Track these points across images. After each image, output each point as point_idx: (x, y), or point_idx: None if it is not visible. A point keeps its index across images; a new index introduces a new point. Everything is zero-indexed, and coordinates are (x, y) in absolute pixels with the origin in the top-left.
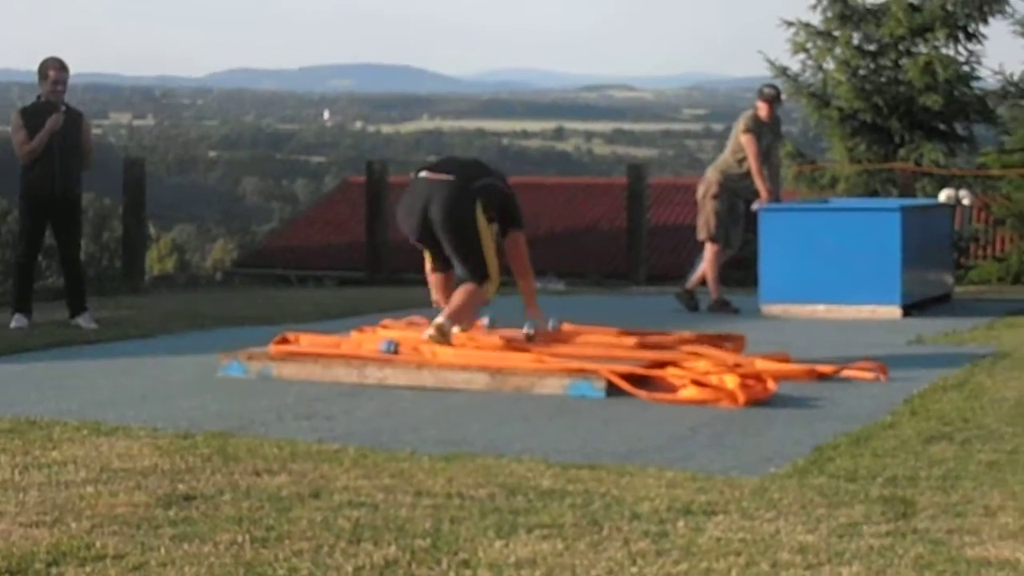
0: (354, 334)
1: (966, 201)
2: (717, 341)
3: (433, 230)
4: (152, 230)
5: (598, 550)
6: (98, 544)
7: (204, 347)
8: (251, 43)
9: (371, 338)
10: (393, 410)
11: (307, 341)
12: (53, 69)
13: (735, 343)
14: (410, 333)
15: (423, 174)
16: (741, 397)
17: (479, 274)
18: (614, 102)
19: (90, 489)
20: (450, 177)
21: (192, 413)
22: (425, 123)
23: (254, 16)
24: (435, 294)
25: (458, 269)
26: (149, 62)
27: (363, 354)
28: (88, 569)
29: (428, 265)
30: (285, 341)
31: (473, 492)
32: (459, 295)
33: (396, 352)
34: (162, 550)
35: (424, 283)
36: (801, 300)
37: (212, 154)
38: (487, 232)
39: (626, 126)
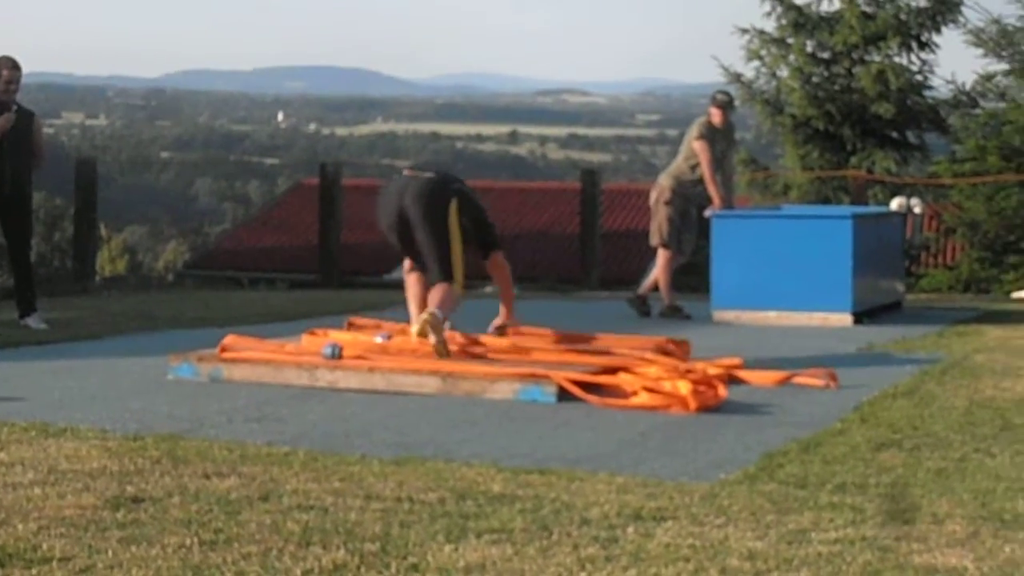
0: (305, 337)
1: (917, 209)
2: (663, 347)
3: (408, 224)
4: (103, 231)
5: (547, 555)
6: (45, 546)
7: (154, 349)
8: (205, 44)
9: (323, 341)
10: (344, 413)
11: (251, 346)
12: (6, 68)
13: (680, 348)
14: (361, 336)
15: (405, 172)
16: (692, 403)
17: (446, 273)
18: (568, 107)
19: (37, 491)
20: (430, 175)
21: (142, 415)
22: (379, 126)
23: (208, 17)
24: (408, 292)
25: (427, 267)
26: (102, 62)
27: (314, 357)
28: (34, 571)
29: (406, 264)
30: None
31: (423, 496)
32: (438, 291)
33: (339, 357)
34: (109, 552)
35: (376, 286)
36: (753, 307)
37: (165, 155)
38: (457, 234)
39: (580, 131)
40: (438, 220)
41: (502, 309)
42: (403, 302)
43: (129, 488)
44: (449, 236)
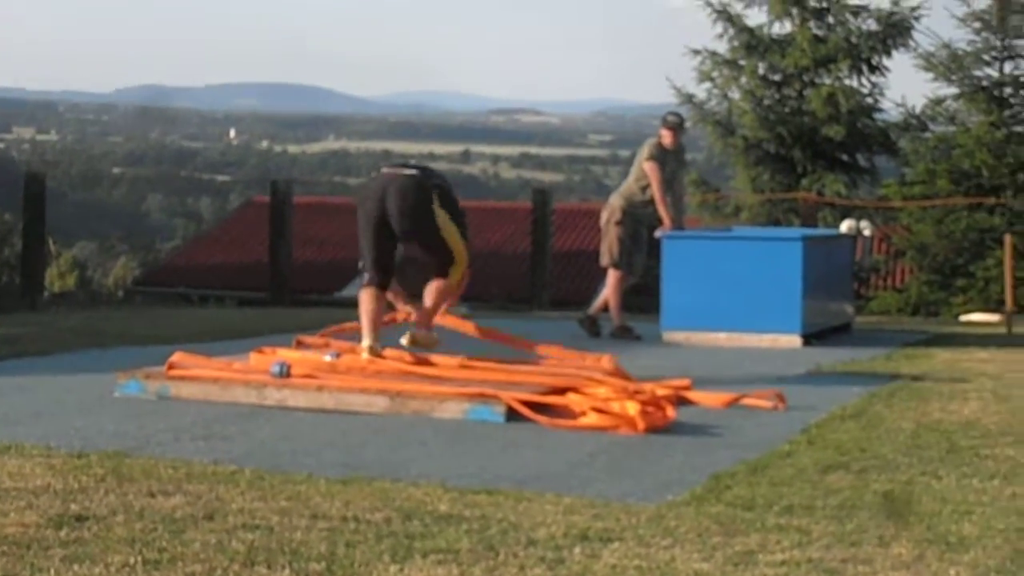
0: (253, 355)
1: (867, 232)
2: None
3: (388, 224)
4: (52, 246)
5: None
6: None
7: (102, 366)
8: (158, 60)
9: (271, 360)
10: (291, 432)
11: (199, 364)
12: None
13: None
14: (309, 355)
15: (384, 170)
16: (641, 424)
17: (445, 258)
18: (521, 126)
19: None
20: (411, 171)
21: (87, 432)
22: (331, 144)
23: (160, 32)
24: (361, 309)
25: (428, 261)
26: (54, 77)
27: (263, 375)
28: None
29: (365, 278)
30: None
31: (369, 516)
32: (428, 297)
33: (288, 375)
34: (52, 571)
35: (327, 304)
36: (703, 328)
37: (116, 170)
38: (445, 218)
39: (533, 150)
40: (425, 213)
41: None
42: (350, 321)
43: (73, 506)
44: (437, 224)
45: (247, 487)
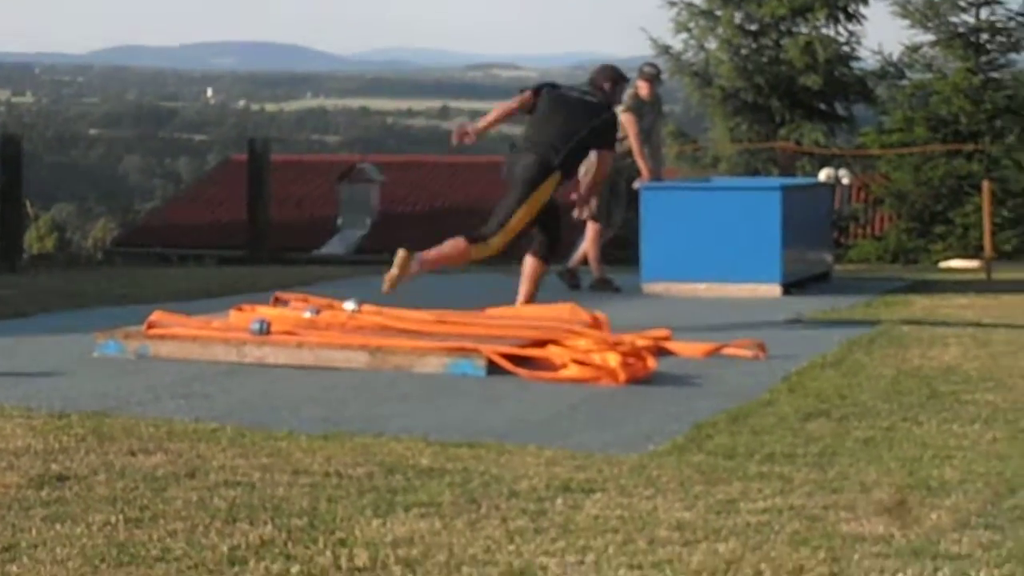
0: (233, 313)
1: (845, 181)
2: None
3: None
4: (30, 209)
5: (476, 528)
6: None
7: (82, 327)
8: (133, 20)
9: (250, 317)
10: (272, 389)
11: (178, 322)
12: None
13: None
14: (287, 312)
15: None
16: (622, 375)
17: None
18: (499, 81)
19: None
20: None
21: (67, 393)
22: (309, 101)
23: None
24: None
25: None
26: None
27: (242, 333)
28: None
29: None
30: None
31: (351, 471)
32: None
33: (268, 332)
34: (33, 531)
35: (305, 262)
36: (682, 279)
37: (93, 132)
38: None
39: None
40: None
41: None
42: (330, 278)
43: (54, 466)
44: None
45: (228, 444)
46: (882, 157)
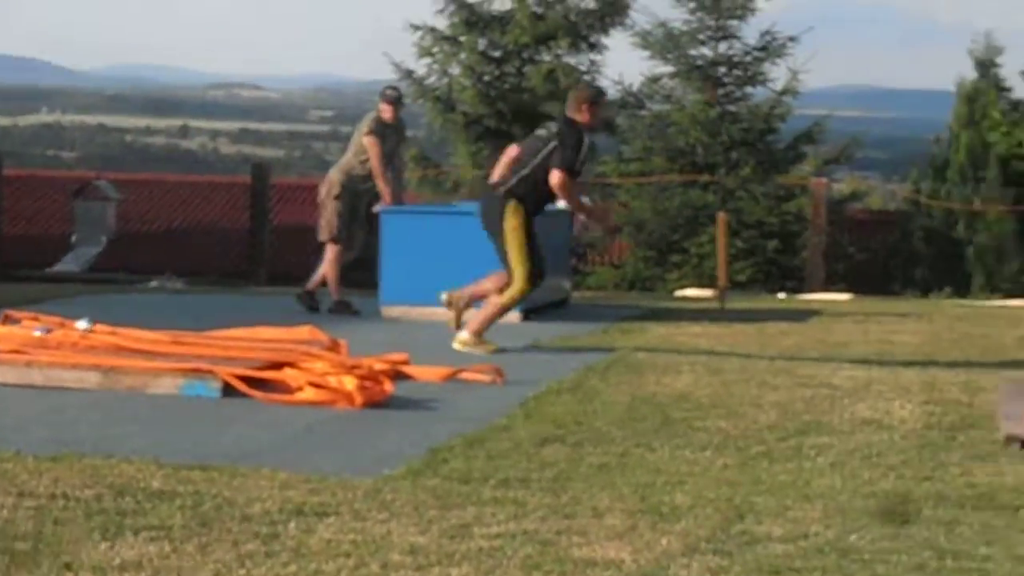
0: None
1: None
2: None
3: None
4: None
5: (206, 552)
6: None
7: None
8: None
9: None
10: None
11: None
12: None
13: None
14: (17, 330)
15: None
16: (358, 398)
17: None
18: (241, 101)
19: None
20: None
21: None
22: (44, 116)
23: None
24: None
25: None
26: None
27: None
28: None
29: None
30: None
31: (79, 493)
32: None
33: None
34: None
35: (38, 279)
36: (421, 302)
37: None
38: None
39: (252, 126)
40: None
41: None
42: (61, 297)
43: None
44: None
45: None
46: (621, 185)
